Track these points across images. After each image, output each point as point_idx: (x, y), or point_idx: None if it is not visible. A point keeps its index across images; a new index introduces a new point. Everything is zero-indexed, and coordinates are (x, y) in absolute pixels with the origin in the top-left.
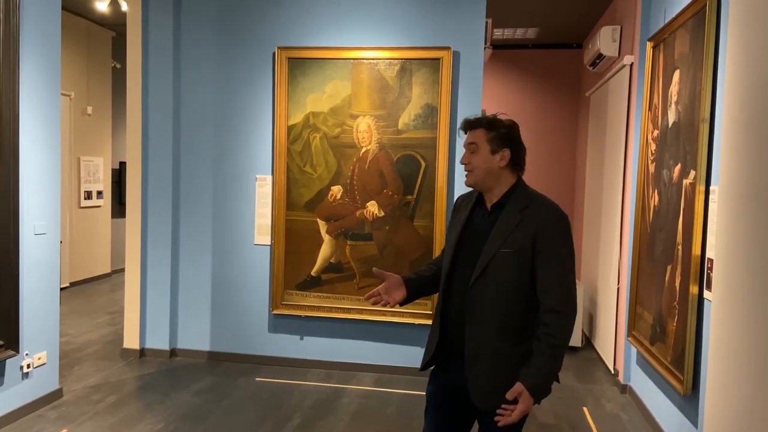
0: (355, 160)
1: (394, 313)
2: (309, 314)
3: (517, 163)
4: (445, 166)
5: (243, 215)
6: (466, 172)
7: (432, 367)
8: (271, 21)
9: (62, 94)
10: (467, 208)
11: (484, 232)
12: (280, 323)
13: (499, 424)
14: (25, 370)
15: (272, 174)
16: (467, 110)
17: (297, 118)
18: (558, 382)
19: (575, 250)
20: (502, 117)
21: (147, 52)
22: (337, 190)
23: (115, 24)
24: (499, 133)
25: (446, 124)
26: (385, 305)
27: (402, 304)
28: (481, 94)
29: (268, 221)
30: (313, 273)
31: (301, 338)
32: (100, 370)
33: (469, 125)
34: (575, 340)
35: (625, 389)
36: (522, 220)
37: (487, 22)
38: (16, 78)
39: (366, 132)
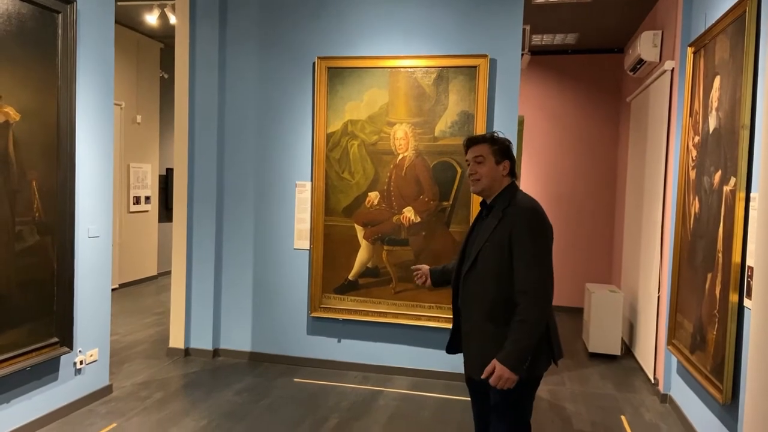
0: (392, 166)
1: (429, 318)
2: (346, 317)
3: (513, 172)
4: None
5: (283, 220)
6: (472, 181)
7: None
8: (311, 32)
9: (114, 104)
10: (479, 212)
11: (479, 230)
12: (318, 326)
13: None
14: (78, 366)
15: (311, 180)
16: (504, 117)
17: (335, 126)
18: (556, 364)
19: (613, 257)
20: (499, 135)
21: (194, 64)
22: (374, 196)
23: (164, 36)
24: (501, 147)
25: (482, 131)
26: (424, 283)
27: (432, 287)
28: (518, 101)
29: (307, 226)
30: (350, 277)
31: (339, 341)
32: (147, 368)
33: (475, 141)
34: (613, 348)
35: (665, 398)
36: (502, 218)
37: (524, 29)
38: (73, 90)
39: (403, 139)
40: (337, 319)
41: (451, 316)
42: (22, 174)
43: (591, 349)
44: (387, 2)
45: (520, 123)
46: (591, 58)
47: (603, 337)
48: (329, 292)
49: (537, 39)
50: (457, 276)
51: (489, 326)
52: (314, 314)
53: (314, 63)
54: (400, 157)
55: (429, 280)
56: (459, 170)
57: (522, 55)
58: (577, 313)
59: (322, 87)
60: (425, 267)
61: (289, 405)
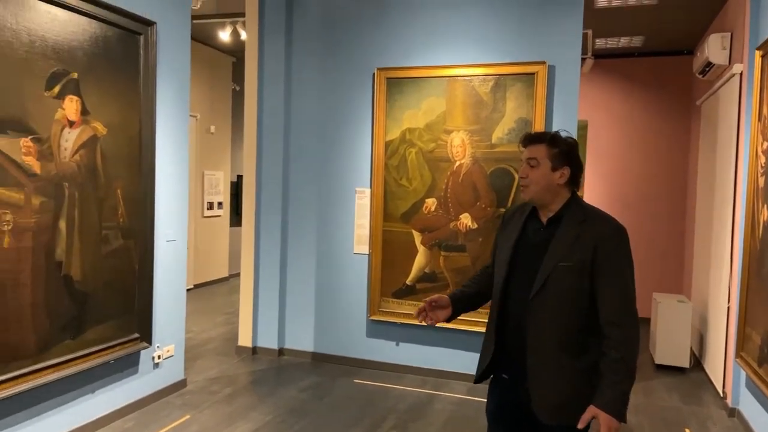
0: (449, 173)
1: (486, 325)
2: (404, 321)
3: (575, 181)
4: None
5: (344, 226)
6: (522, 186)
7: (488, 385)
8: (371, 44)
9: (190, 116)
10: (519, 222)
11: (539, 245)
12: (377, 329)
13: None
14: (156, 361)
15: (371, 187)
16: (562, 123)
17: (394, 134)
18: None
19: (683, 265)
20: (564, 134)
21: (262, 76)
22: (431, 203)
23: (235, 50)
24: (561, 151)
25: None
26: (429, 323)
27: (447, 321)
28: (578, 107)
29: (367, 231)
30: (408, 282)
31: (397, 344)
32: (218, 364)
33: (531, 140)
34: (682, 360)
35: (732, 413)
36: (580, 233)
37: (586, 34)
38: (153, 105)
39: (460, 146)
40: (396, 322)
41: None
42: (108, 183)
43: (658, 361)
44: (445, 13)
45: (584, 127)
46: (658, 61)
47: (670, 349)
48: (388, 296)
49: (601, 42)
50: (505, 297)
51: (563, 358)
52: (373, 317)
53: (374, 74)
54: (457, 164)
55: (438, 317)
56: (516, 177)
57: (584, 59)
58: (643, 323)
59: (381, 97)
60: (442, 298)
61: (349, 404)
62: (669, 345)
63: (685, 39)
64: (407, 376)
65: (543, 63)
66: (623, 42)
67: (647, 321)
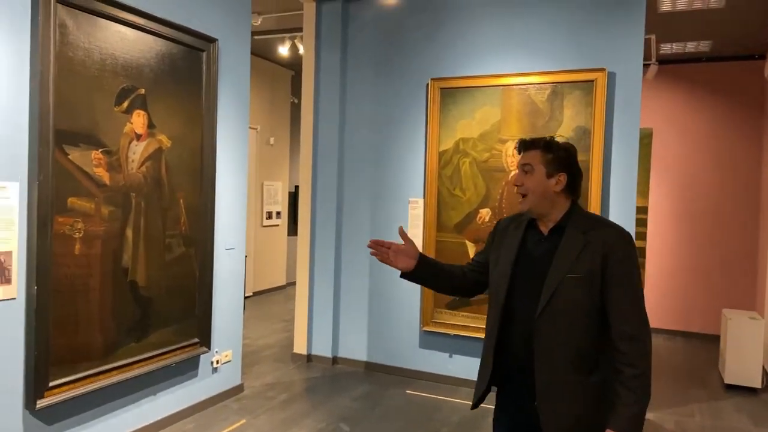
0: (503, 183)
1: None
2: (457, 333)
3: (573, 188)
4: (599, 189)
5: (396, 236)
6: (520, 197)
7: (494, 413)
8: (425, 55)
9: (250, 128)
10: (517, 233)
11: (542, 258)
12: (430, 340)
13: None
14: (215, 365)
15: (424, 197)
16: (623, 132)
17: (447, 144)
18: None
19: (756, 281)
20: (560, 140)
21: (318, 89)
22: (485, 213)
23: (294, 64)
24: (556, 156)
25: (600, 147)
26: (382, 261)
27: (403, 275)
28: (639, 115)
29: (420, 241)
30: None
31: (450, 356)
32: (274, 371)
33: (525, 146)
34: (753, 379)
35: None
36: (587, 243)
37: (649, 39)
38: (214, 118)
39: (515, 156)
40: (449, 334)
41: None
42: (171, 193)
43: (727, 380)
44: (499, 21)
45: (648, 136)
46: (727, 66)
47: (741, 368)
48: (441, 307)
49: (666, 48)
50: (508, 314)
51: (575, 377)
52: (426, 328)
53: (428, 84)
54: (512, 173)
55: (399, 263)
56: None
57: (648, 65)
58: (711, 340)
59: (435, 107)
60: (412, 247)
61: (401, 415)
62: (740, 364)
63: (756, 43)
64: (461, 389)
65: (602, 70)
66: (690, 47)
67: (715, 338)
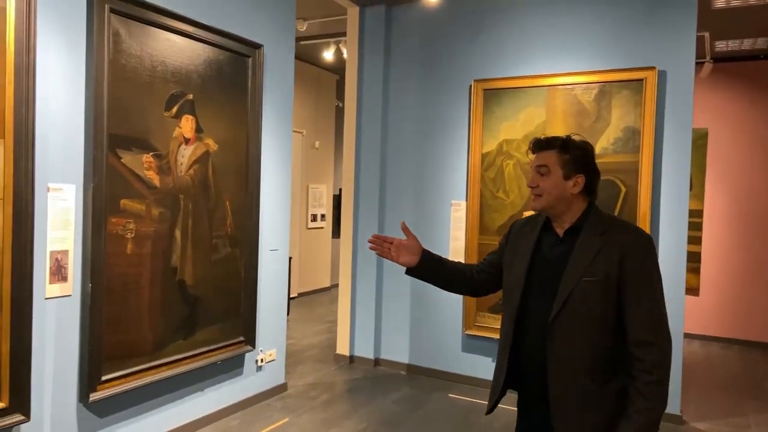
0: None
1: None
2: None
3: (591, 189)
4: (649, 191)
5: (439, 238)
6: (533, 196)
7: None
8: (468, 56)
9: (296, 131)
10: (532, 237)
11: (557, 260)
12: (472, 344)
13: None
14: (259, 364)
15: (466, 200)
16: (675, 132)
17: (491, 146)
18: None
19: None
20: (577, 138)
21: (361, 93)
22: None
23: (339, 68)
24: (573, 157)
25: (650, 148)
26: (382, 255)
27: (407, 272)
28: (692, 114)
29: (462, 244)
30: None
31: (493, 360)
32: (317, 371)
33: (540, 146)
34: None
35: None
36: (604, 245)
37: (703, 36)
38: (259, 122)
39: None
40: (492, 338)
41: None
42: (218, 195)
43: None
44: (544, 21)
45: (703, 136)
46: None
47: None
48: (483, 310)
49: (721, 45)
50: (521, 318)
51: (591, 385)
52: (468, 332)
53: (470, 86)
54: None
55: (401, 258)
56: (623, 189)
57: (702, 63)
58: None
59: (478, 109)
60: (414, 243)
61: (442, 419)
62: None
63: None
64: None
65: (652, 68)
66: (746, 44)
67: None
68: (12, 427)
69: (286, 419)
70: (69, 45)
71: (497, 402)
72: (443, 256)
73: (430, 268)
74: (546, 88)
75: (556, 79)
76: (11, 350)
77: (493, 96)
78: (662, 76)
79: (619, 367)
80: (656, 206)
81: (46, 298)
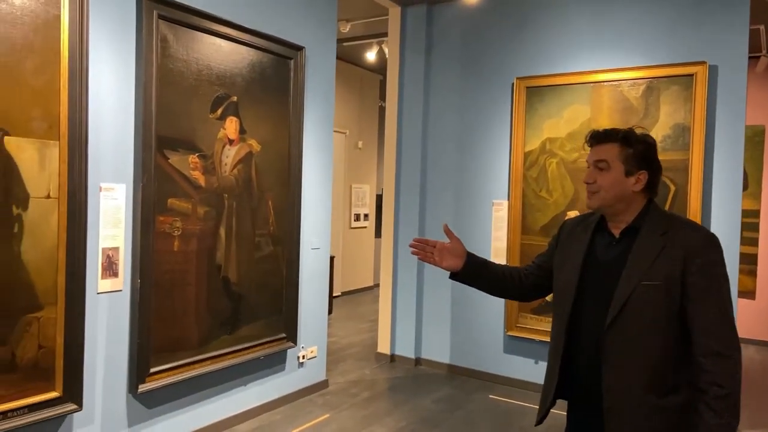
0: None
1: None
2: (543, 339)
3: (652, 186)
4: (699, 190)
5: (480, 238)
6: (588, 193)
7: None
8: (510, 54)
9: (339, 132)
10: (584, 237)
11: (613, 263)
12: (514, 345)
13: None
14: (301, 360)
15: (508, 199)
16: (727, 129)
17: (533, 145)
18: None
19: None
20: (639, 131)
21: (402, 93)
22: (573, 215)
23: (382, 69)
24: (636, 151)
25: (701, 145)
26: (424, 260)
27: (451, 276)
28: (745, 111)
29: (504, 244)
30: (548, 298)
31: (536, 362)
32: (358, 369)
33: (599, 139)
34: None
35: None
36: (665, 246)
37: (757, 30)
38: (301, 123)
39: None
40: (534, 339)
41: None
42: (261, 195)
43: None
44: (588, 16)
45: (760, 133)
46: None
47: None
48: (526, 311)
49: None
50: (573, 324)
51: (648, 398)
52: (510, 333)
53: (513, 83)
54: None
55: (445, 262)
56: (672, 187)
57: (758, 57)
58: None
59: (521, 107)
60: (458, 246)
61: (482, 419)
62: None
63: None
64: None
65: (703, 63)
66: None
67: None
68: (65, 415)
69: (327, 415)
70: (119, 50)
71: (548, 412)
72: (488, 259)
73: (475, 273)
74: (591, 84)
75: (602, 75)
76: (65, 342)
77: (536, 94)
78: (713, 71)
79: (681, 378)
80: (707, 206)
81: (98, 293)
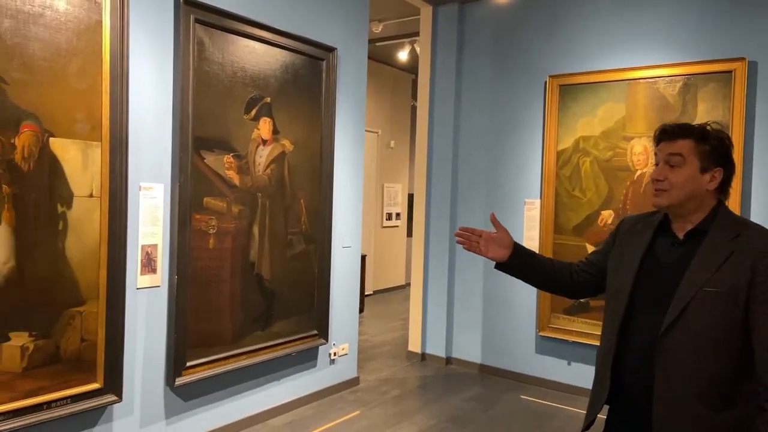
0: (628, 183)
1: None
2: (576, 339)
3: (725, 186)
4: (739, 189)
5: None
6: (656, 191)
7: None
8: (543, 52)
9: (371, 131)
10: (644, 237)
11: (674, 266)
12: (546, 345)
13: None
14: (332, 357)
15: (541, 198)
16: (767, 126)
17: (566, 143)
18: None
19: None
20: (715, 127)
21: (434, 92)
22: (607, 215)
23: (415, 68)
24: (713, 147)
25: (740, 143)
26: (470, 249)
27: (497, 266)
28: None
29: (536, 244)
30: (581, 298)
31: (569, 363)
32: (389, 367)
33: (673, 133)
34: None
35: None
36: (733, 252)
37: None
38: (333, 123)
39: (642, 154)
40: (567, 340)
41: None
42: (293, 194)
43: None
44: (624, 12)
45: None
46: None
47: None
48: (558, 312)
49: None
50: (626, 329)
51: (702, 411)
52: (542, 333)
53: (545, 82)
54: (638, 173)
55: (491, 253)
56: None
57: None
58: None
59: (553, 105)
60: (505, 236)
61: (513, 420)
62: None
63: None
64: (580, 398)
65: (742, 59)
66: None
67: None
68: (106, 406)
69: (358, 412)
70: (158, 54)
71: (594, 419)
72: (536, 252)
73: (522, 263)
74: (626, 82)
75: (637, 72)
76: (106, 336)
77: (569, 92)
78: (753, 67)
79: (740, 393)
80: (746, 206)
81: (138, 288)
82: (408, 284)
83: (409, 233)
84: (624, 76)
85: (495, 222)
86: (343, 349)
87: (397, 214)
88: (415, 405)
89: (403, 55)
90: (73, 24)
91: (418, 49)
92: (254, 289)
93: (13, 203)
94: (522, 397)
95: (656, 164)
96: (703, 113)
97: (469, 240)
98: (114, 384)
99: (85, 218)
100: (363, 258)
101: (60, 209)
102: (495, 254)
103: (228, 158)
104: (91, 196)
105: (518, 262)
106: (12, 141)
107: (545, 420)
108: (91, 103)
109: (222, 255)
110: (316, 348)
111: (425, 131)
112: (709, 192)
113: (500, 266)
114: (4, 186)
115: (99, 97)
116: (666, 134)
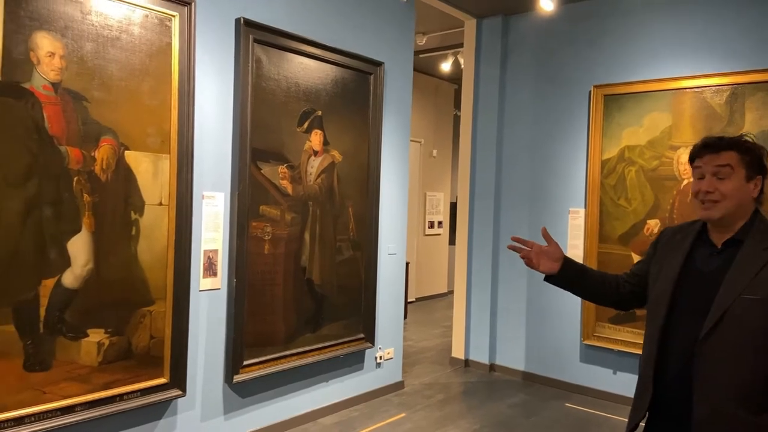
0: (675, 192)
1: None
2: (622, 349)
3: (761, 194)
4: None
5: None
6: (706, 204)
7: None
8: (587, 62)
9: (414, 141)
10: (684, 246)
11: (713, 274)
12: (591, 354)
13: None
14: (378, 360)
15: (585, 207)
16: None
17: (611, 153)
18: None
19: None
20: (749, 138)
21: (477, 102)
22: (653, 224)
23: (457, 78)
24: (755, 157)
25: None
26: (521, 255)
27: (547, 279)
28: None
29: (581, 252)
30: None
31: (614, 372)
32: (432, 372)
33: (718, 146)
34: None
35: None
36: None
37: None
38: (379, 134)
39: (688, 163)
40: (612, 349)
41: None
42: (342, 202)
43: None
44: (669, 23)
45: None
46: None
47: None
48: (603, 320)
49: None
50: (666, 334)
51: (742, 414)
52: (587, 342)
53: (590, 92)
54: (685, 182)
55: (542, 265)
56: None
57: None
58: None
59: (598, 115)
60: (556, 250)
61: (557, 427)
62: None
63: None
64: (624, 407)
65: None
66: None
67: None
68: (171, 400)
69: (403, 414)
70: (220, 72)
71: (638, 425)
72: (586, 265)
73: (572, 277)
74: (672, 92)
75: (683, 82)
76: (172, 334)
77: (614, 101)
78: None
79: None
80: None
81: (200, 291)
82: (450, 292)
83: (452, 241)
84: (670, 85)
85: (546, 236)
86: (388, 353)
87: (439, 222)
88: (459, 409)
89: (446, 66)
90: (146, 46)
91: (461, 60)
92: (305, 293)
93: (92, 210)
94: (566, 405)
95: (700, 178)
96: (750, 123)
97: (522, 250)
98: (179, 379)
99: (155, 224)
100: (406, 265)
101: (133, 216)
102: (546, 267)
103: (282, 168)
104: (160, 204)
105: (568, 276)
106: (92, 154)
107: (590, 428)
108: (162, 119)
109: (276, 260)
110: (363, 351)
111: (468, 141)
112: (752, 200)
113: (550, 279)
114: (86, 195)
115: (168, 113)
116: (710, 147)
